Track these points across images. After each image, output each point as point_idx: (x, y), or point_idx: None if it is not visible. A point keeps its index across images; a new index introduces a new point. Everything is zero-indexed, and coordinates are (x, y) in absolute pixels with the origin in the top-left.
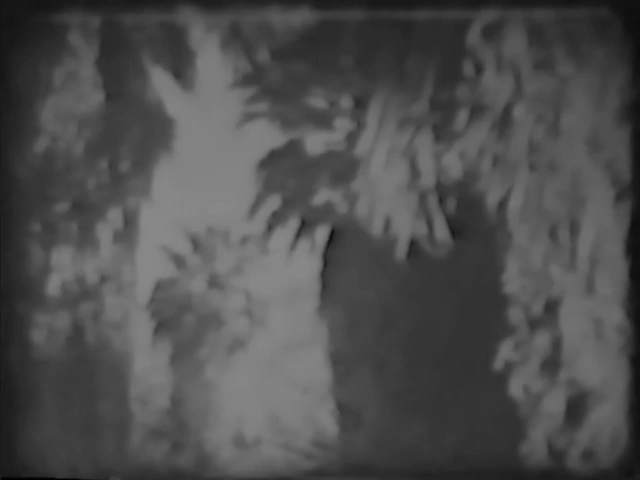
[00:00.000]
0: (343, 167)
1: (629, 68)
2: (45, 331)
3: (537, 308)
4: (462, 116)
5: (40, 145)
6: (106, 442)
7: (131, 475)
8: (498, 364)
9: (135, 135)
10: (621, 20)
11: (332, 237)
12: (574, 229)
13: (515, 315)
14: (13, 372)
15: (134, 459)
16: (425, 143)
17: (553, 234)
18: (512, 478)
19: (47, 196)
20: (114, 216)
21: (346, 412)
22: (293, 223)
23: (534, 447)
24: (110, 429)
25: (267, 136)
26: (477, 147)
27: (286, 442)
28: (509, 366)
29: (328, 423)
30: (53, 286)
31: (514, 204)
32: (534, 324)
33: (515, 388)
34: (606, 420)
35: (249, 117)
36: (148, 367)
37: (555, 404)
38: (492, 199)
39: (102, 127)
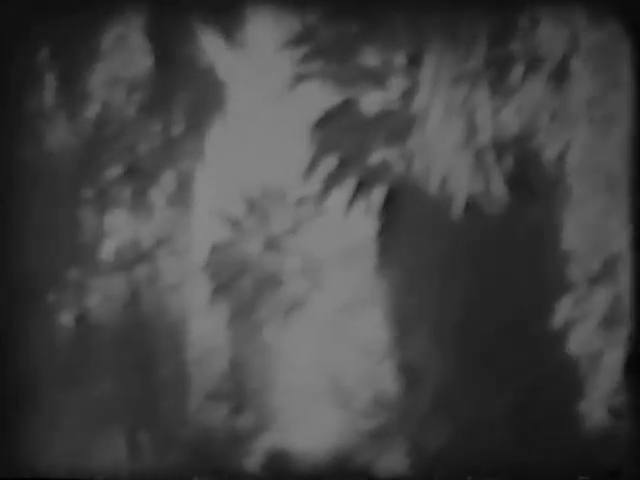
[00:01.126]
0: (399, 126)
1: None
2: (100, 296)
3: (596, 264)
4: (517, 71)
5: (91, 111)
6: (165, 406)
7: (191, 438)
8: (557, 322)
9: (187, 98)
10: None
11: (389, 196)
12: (633, 182)
13: (574, 272)
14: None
15: (193, 422)
16: (481, 99)
17: (612, 188)
18: (569, 436)
19: (99, 162)
20: (168, 180)
21: (406, 371)
22: (349, 183)
23: (593, 405)
24: (169, 393)
25: (321, 96)
26: (534, 102)
27: (346, 402)
28: (568, 323)
29: (388, 382)
30: (107, 251)
31: (572, 159)
32: (593, 280)
33: (574, 345)
34: None
35: (301, 78)
36: (205, 330)
37: (614, 361)
38: (550, 154)
39: (152, 91)
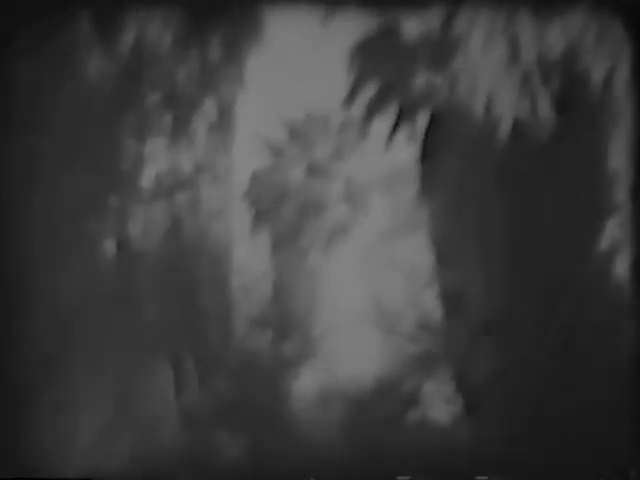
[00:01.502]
0: (441, 49)
1: None
2: (142, 223)
3: None
4: None
5: (127, 38)
6: (210, 332)
7: (236, 364)
8: (604, 244)
9: (224, 23)
10: None
11: (432, 121)
12: None
13: (620, 193)
14: (107, 269)
15: (238, 348)
16: (525, 19)
17: None
18: (614, 360)
19: (138, 88)
20: (208, 106)
21: (450, 295)
22: (392, 108)
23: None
24: (213, 320)
25: (361, 20)
26: (580, 21)
27: (391, 326)
28: (614, 246)
29: (432, 307)
30: (148, 178)
31: (619, 80)
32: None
33: (621, 267)
34: None
35: (341, 0)
36: (249, 257)
37: None
38: (597, 75)
39: (189, 17)
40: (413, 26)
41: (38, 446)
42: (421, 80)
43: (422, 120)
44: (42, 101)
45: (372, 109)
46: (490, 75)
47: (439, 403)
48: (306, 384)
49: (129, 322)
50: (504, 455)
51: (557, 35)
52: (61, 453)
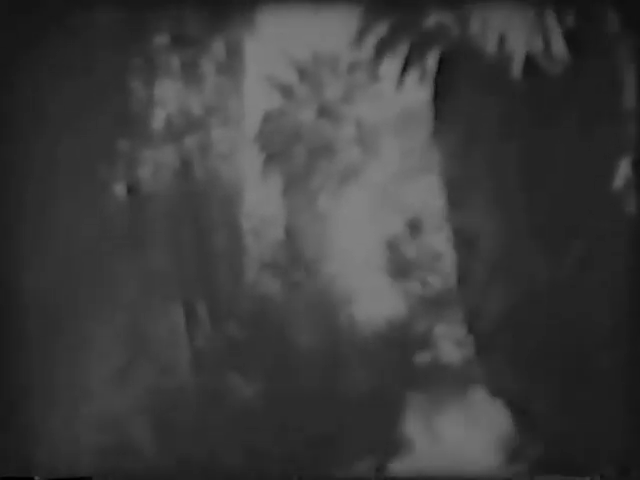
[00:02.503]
0: None
1: None
2: (152, 166)
3: None
4: None
5: None
6: (221, 276)
7: (247, 309)
8: (617, 182)
9: None
10: None
11: (444, 60)
12: None
13: (635, 131)
14: (118, 213)
15: (250, 293)
16: None
17: None
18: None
19: (145, 29)
20: (217, 47)
21: (462, 238)
22: (403, 48)
23: None
24: (224, 263)
25: None
26: None
27: (402, 270)
28: (629, 184)
29: (444, 249)
30: (157, 120)
31: (636, 16)
32: None
33: (634, 206)
34: None
35: None
36: (260, 199)
37: None
38: (613, 10)
39: None
40: None
41: (50, 390)
42: (432, 19)
43: (433, 60)
44: (47, 44)
45: (382, 49)
46: (503, 10)
47: (450, 345)
48: (316, 328)
49: (140, 267)
50: (515, 396)
51: None
52: (73, 398)
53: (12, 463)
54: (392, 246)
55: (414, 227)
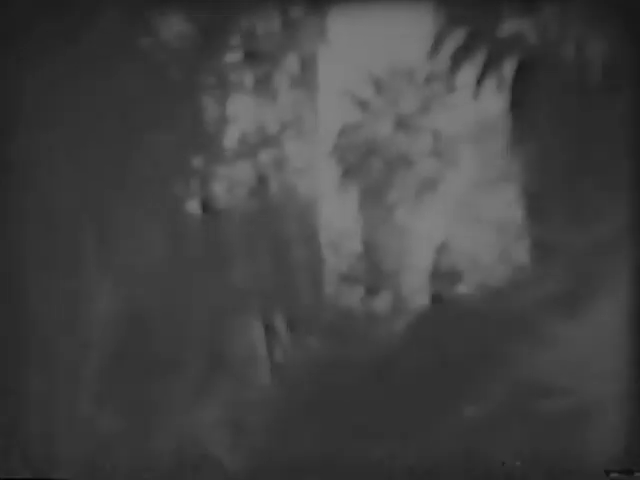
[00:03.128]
0: None
1: None
2: (226, 183)
3: None
4: None
5: None
6: (301, 289)
7: (327, 320)
8: None
9: None
10: None
11: (521, 69)
12: None
13: None
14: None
15: (329, 305)
16: None
17: None
18: None
19: (217, 47)
20: (290, 62)
21: (540, 248)
22: (479, 57)
23: None
24: (303, 276)
25: None
26: None
27: (483, 280)
28: None
29: (523, 260)
30: (232, 137)
31: None
32: None
33: None
34: None
35: None
36: (337, 213)
37: None
38: None
39: None
40: None
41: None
42: (509, 27)
43: (510, 68)
44: (120, 64)
45: (458, 59)
46: (581, 19)
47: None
48: (397, 340)
49: (218, 282)
50: None
51: None
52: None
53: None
54: (472, 256)
55: (492, 237)
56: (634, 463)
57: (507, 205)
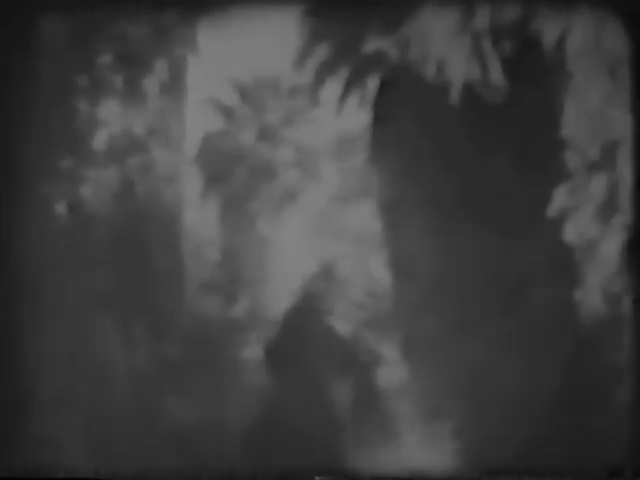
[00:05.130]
0: (393, 12)
1: None
2: (94, 186)
3: (594, 151)
4: None
5: None
6: (161, 296)
7: (187, 327)
8: (553, 210)
9: None
10: None
11: (383, 86)
12: (635, 68)
13: (571, 159)
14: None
15: (189, 312)
16: None
17: (613, 74)
18: (567, 324)
19: (90, 48)
20: (160, 68)
21: (399, 262)
22: (343, 73)
23: (589, 293)
24: (164, 283)
25: None
26: None
27: (339, 293)
28: (564, 212)
29: (381, 273)
30: (100, 140)
31: (572, 44)
32: (591, 168)
33: (570, 234)
34: None
35: None
36: (199, 221)
37: (610, 249)
38: (549, 39)
39: None
40: None
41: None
42: (372, 44)
43: (373, 85)
44: None
45: (323, 73)
46: (442, 38)
47: (385, 368)
48: (255, 350)
49: (80, 286)
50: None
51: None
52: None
53: None
54: (330, 268)
55: (351, 249)
56: None
57: (366, 218)
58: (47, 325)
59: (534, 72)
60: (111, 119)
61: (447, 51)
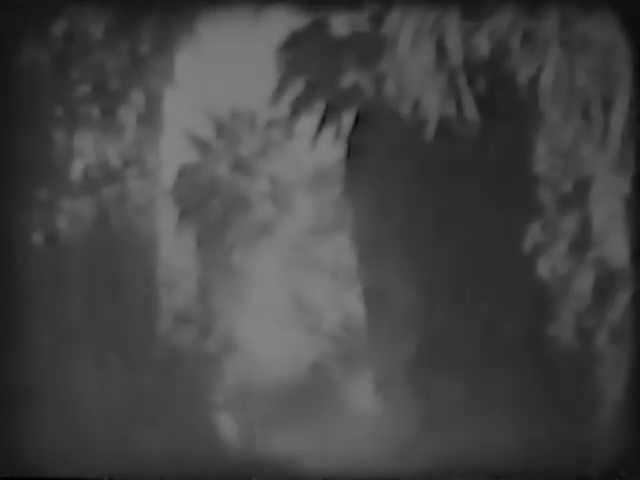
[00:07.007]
0: (369, 48)
1: None
2: (70, 216)
3: (567, 188)
4: None
5: (59, 27)
6: (134, 327)
7: (160, 358)
8: (527, 245)
9: (156, 17)
10: None
11: (358, 120)
12: (606, 106)
13: (544, 195)
14: (36, 261)
15: (162, 343)
16: (453, 22)
17: (585, 112)
18: (540, 358)
19: (67, 79)
20: (137, 99)
21: (372, 295)
22: (318, 107)
23: (562, 328)
24: (138, 314)
25: (290, 17)
26: (506, 24)
27: (313, 325)
28: (538, 247)
29: (355, 306)
30: (76, 171)
31: (545, 82)
32: (563, 204)
33: (543, 269)
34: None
35: None
36: (174, 252)
37: (584, 285)
38: (522, 77)
39: (121, 8)
40: (341, 25)
41: None
42: (348, 79)
43: (348, 119)
44: None
45: (298, 107)
46: (417, 75)
47: (359, 398)
48: (228, 380)
49: (56, 313)
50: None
51: (484, 37)
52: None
53: None
54: (303, 300)
55: (325, 282)
56: None
57: (339, 252)
58: (20, 353)
59: (508, 109)
60: (87, 149)
61: (423, 87)
